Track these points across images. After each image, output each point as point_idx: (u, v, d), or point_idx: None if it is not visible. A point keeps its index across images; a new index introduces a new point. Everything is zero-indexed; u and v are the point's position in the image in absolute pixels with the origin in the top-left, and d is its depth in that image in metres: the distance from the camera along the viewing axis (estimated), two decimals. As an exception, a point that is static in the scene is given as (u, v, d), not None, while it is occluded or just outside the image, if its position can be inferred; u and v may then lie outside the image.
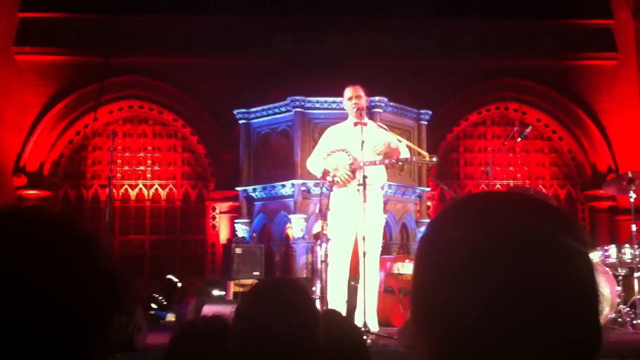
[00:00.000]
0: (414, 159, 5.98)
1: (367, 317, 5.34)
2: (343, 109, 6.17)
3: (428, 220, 8.37)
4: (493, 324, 0.78)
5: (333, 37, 11.87)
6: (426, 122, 9.23)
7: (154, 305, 9.91)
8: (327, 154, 5.87)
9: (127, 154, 11.90)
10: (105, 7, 11.01)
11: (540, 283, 0.78)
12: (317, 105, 8.56)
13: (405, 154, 5.97)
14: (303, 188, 8.33)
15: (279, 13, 11.76)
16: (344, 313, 5.55)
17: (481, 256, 0.80)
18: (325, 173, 5.76)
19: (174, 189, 11.98)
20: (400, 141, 6.06)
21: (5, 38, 11.53)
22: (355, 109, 5.87)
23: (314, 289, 6.39)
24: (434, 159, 5.79)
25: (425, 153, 6.01)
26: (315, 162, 6.04)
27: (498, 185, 11.79)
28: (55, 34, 11.54)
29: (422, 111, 9.18)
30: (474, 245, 0.81)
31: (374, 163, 5.70)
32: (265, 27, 11.81)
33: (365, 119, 5.91)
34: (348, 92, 5.99)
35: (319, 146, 6.18)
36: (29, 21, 11.64)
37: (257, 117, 9.04)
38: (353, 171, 5.69)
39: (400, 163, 5.86)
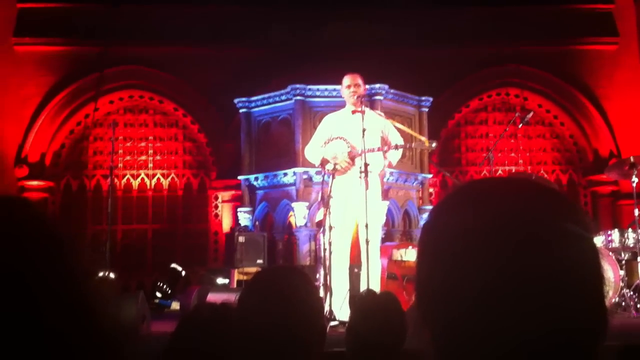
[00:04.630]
0: (413, 144, 5.98)
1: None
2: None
3: (430, 207, 8.38)
4: (495, 310, 0.77)
5: (331, 26, 11.80)
6: (427, 109, 9.21)
7: (158, 294, 9.94)
8: (324, 142, 5.89)
9: (128, 144, 11.89)
10: (104, -3, 10.97)
11: (542, 268, 0.78)
12: (318, 93, 8.54)
13: (400, 141, 5.99)
14: (305, 176, 8.34)
15: (277, 3, 11.69)
16: (346, 301, 5.57)
17: (482, 242, 0.80)
18: (324, 162, 5.78)
19: (176, 179, 11.97)
20: (398, 129, 6.08)
21: (4, 29, 11.49)
22: (353, 97, 5.89)
23: (317, 276, 6.42)
24: (433, 144, 5.82)
25: (424, 138, 6.04)
26: (313, 151, 6.06)
27: (500, 171, 11.76)
28: (54, 24, 11.48)
29: (423, 98, 9.16)
30: (475, 232, 0.81)
31: (372, 150, 5.71)
32: (264, 17, 11.74)
33: (364, 107, 5.91)
34: (346, 80, 6.01)
35: (316, 135, 6.21)
36: (28, 11, 11.59)
37: (257, 106, 9.03)
38: (352, 159, 5.71)
39: (397, 149, 5.87)
